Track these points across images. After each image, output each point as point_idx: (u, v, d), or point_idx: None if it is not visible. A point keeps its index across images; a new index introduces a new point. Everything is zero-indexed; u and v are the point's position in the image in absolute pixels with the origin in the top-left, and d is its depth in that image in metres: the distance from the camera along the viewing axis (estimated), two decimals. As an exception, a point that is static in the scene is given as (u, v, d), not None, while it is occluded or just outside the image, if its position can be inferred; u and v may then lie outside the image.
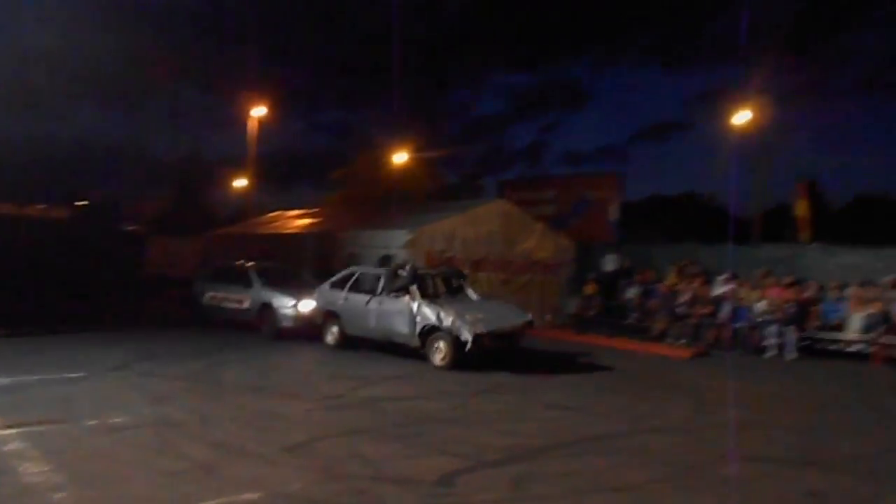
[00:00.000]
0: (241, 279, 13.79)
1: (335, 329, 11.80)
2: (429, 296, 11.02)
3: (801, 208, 18.21)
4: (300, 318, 12.49)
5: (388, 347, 11.08)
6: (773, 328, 12.68)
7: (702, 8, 79.03)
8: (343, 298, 11.65)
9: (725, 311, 13.59)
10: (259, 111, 25.53)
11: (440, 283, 11.92)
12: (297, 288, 13.04)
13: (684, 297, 14.17)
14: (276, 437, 6.10)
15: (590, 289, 15.87)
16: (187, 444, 5.77)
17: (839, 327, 12.62)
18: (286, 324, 12.62)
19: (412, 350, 10.59)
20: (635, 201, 37.49)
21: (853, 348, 12.38)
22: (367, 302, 11.19)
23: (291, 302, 12.62)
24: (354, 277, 11.83)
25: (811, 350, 12.58)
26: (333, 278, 12.15)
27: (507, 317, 10.77)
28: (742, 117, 20.43)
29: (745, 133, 20.99)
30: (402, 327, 10.62)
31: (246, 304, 13.44)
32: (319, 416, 7.17)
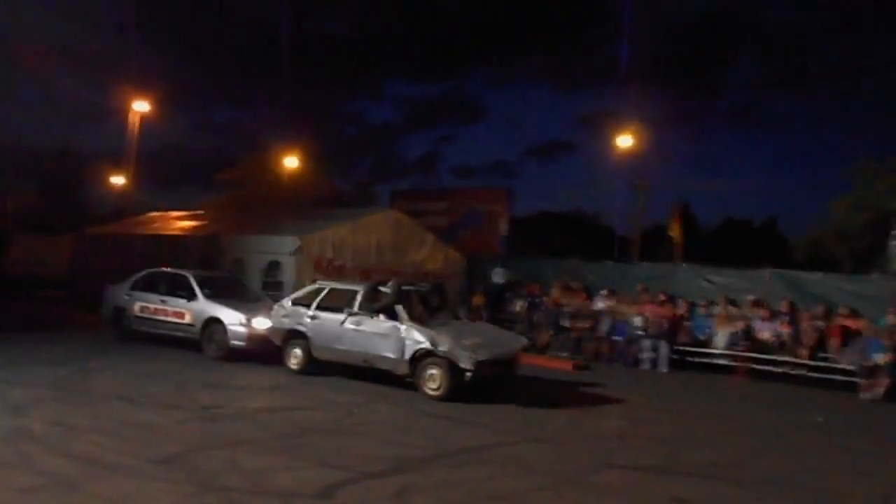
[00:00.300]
0: (180, 289, 12.04)
1: (299, 351, 10.28)
2: (416, 317, 9.74)
3: (676, 230, 19.40)
4: (254, 338, 10.93)
5: (363, 373, 9.93)
6: (647, 342, 13.36)
7: (593, 34, 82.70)
8: (310, 317, 10.21)
9: (605, 325, 14.20)
10: (141, 105, 24.37)
11: (418, 301, 10.59)
12: (247, 301, 11.83)
13: (567, 311, 14.68)
14: (148, 450, 5.79)
15: (478, 300, 16.14)
16: (47, 458, 5.38)
17: (707, 342, 13.45)
18: (237, 343, 11.02)
19: (398, 377, 9.48)
20: (524, 217, 38.72)
21: (719, 362, 13.22)
22: (343, 322, 9.83)
23: (243, 318, 11.07)
24: (323, 293, 10.45)
25: (682, 363, 13.32)
26: (297, 293, 10.94)
27: (505, 341, 10.06)
28: (625, 141, 21.50)
29: (628, 155, 22.12)
30: (387, 352, 9.38)
31: (187, 319, 11.70)
32: (196, 427, 6.85)
